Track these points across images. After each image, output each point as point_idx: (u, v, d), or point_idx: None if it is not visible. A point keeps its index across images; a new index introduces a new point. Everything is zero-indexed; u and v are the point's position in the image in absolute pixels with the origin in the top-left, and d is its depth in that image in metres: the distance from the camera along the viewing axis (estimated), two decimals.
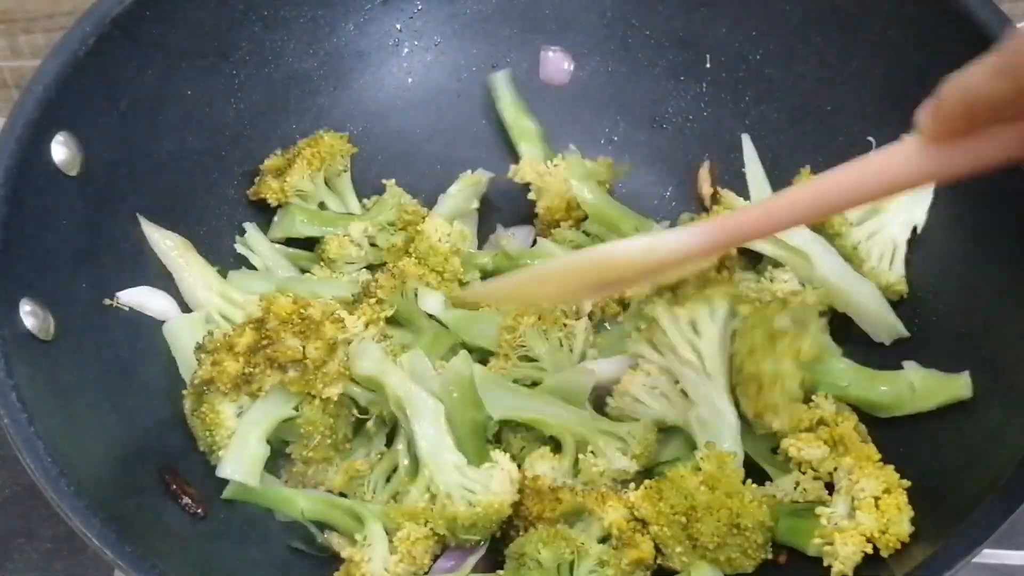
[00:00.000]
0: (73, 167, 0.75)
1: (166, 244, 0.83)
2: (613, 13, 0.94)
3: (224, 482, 0.75)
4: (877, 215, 0.83)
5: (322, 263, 0.89)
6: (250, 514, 0.75)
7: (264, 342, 0.73)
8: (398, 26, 0.95)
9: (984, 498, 0.63)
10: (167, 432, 0.76)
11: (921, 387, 0.76)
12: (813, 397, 0.76)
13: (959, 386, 0.74)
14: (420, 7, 0.95)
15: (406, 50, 0.96)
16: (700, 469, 0.71)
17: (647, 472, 0.77)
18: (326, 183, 0.91)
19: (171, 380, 0.79)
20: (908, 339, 0.81)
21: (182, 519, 0.71)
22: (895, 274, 0.82)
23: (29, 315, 0.69)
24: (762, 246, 0.83)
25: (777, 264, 0.83)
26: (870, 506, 0.68)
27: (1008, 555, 0.85)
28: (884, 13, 0.82)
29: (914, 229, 0.83)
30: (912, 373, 0.77)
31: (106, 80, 0.78)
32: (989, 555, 0.84)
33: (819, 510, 0.70)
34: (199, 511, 0.72)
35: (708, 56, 0.94)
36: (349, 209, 0.93)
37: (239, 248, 0.89)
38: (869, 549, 0.67)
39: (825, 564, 0.68)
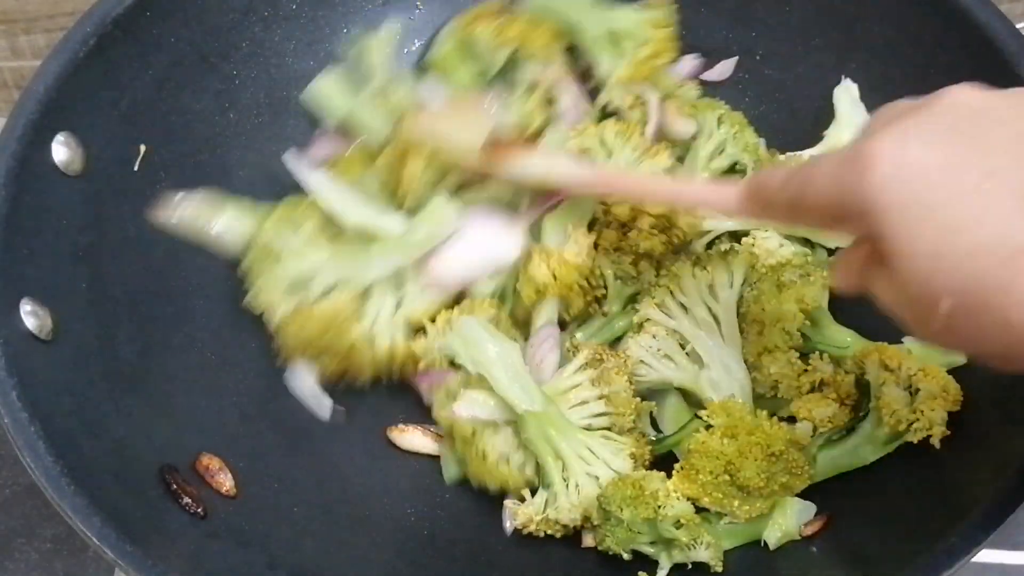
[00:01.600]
0: (74, 167, 0.75)
1: None
2: None
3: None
4: (821, 142, 0.87)
5: None
6: (250, 513, 0.75)
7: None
8: (398, 26, 0.95)
9: (984, 498, 0.63)
10: (167, 432, 0.76)
11: (918, 353, 0.76)
12: (811, 360, 0.77)
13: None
14: (420, 7, 0.95)
15: (406, 50, 0.96)
16: (711, 427, 0.73)
17: (662, 460, 0.77)
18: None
19: (171, 380, 0.79)
20: None
21: (183, 519, 0.71)
22: None
23: (30, 315, 0.69)
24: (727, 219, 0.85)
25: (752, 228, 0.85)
26: (921, 378, 0.71)
27: (1008, 555, 0.85)
28: (884, 13, 0.83)
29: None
30: (910, 344, 0.78)
31: (107, 80, 0.78)
32: (989, 555, 0.84)
33: (884, 399, 0.72)
34: (199, 511, 0.72)
35: (708, 56, 0.94)
36: None
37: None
38: (953, 407, 0.71)
39: (916, 441, 0.71)
